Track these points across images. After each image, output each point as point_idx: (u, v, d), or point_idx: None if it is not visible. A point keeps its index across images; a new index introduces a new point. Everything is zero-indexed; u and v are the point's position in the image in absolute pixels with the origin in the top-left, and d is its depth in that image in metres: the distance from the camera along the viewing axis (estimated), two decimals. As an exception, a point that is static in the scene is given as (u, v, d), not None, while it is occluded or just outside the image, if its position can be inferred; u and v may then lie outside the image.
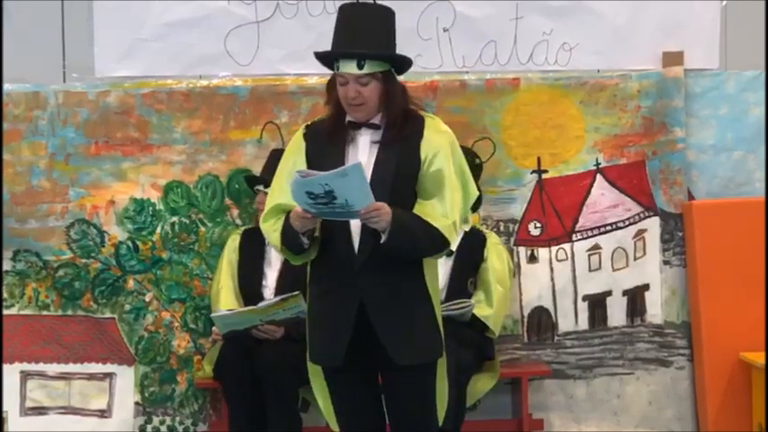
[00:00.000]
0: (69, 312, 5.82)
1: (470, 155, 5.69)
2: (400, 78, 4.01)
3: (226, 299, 5.59)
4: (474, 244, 5.59)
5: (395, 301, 3.89)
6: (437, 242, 3.88)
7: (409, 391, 3.96)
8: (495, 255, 5.65)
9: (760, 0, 6.06)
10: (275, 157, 5.65)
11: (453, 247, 3.90)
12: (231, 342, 5.42)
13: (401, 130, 3.93)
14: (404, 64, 3.99)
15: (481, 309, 5.54)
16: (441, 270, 5.24)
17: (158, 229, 5.84)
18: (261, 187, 5.59)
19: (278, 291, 5.50)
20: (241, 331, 5.35)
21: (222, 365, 5.41)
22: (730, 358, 5.77)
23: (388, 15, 4.01)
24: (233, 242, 5.73)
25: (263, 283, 5.58)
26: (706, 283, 5.83)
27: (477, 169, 5.69)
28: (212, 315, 5.39)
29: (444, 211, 3.89)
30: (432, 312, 3.97)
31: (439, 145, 3.93)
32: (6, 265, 5.80)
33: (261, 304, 5.29)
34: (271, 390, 5.24)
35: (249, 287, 5.60)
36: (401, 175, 3.90)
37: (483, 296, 5.59)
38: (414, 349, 3.90)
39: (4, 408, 5.71)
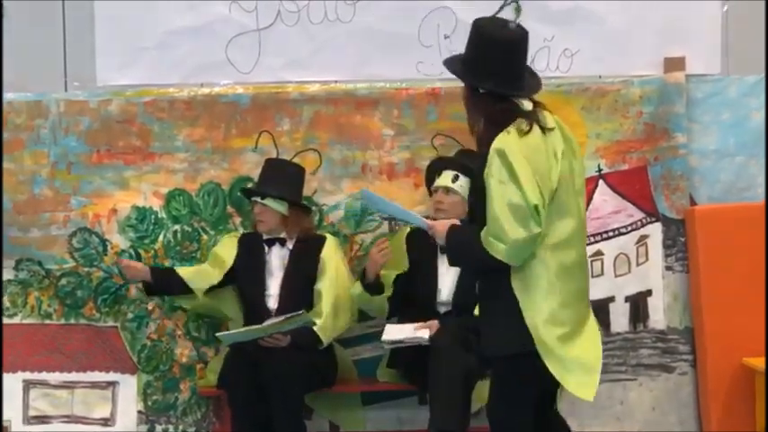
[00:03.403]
0: (72, 321, 5.82)
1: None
2: None
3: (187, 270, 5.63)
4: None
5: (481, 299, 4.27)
6: (484, 259, 4.09)
7: (492, 382, 4.32)
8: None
9: (761, 2, 6.05)
10: (270, 166, 5.68)
11: (501, 257, 4.07)
12: (235, 351, 5.44)
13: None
14: None
15: None
16: (449, 274, 5.45)
17: (160, 238, 5.84)
18: (258, 198, 5.59)
19: (281, 299, 5.52)
20: (246, 341, 5.38)
21: (227, 375, 5.42)
22: (733, 364, 5.77)
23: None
24: (231, 239, 5.72)
25: (266, 292, 5.58)
26: (708, 288, 5.82)
27: None
28: (218, 334, 5.43)
29: (485, 227, 4.10)
30: (516, 311, 4.10)
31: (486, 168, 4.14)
32: (9, 274, 5.80)
33: (266, 323, 5.32)
34: (276, 397, 5.24)
35: (252, 297, 5.60)
36: (477, 204, 4.25)
37: None
38: (497, 341, 4.17)
39: (9, 417, 5.72)
